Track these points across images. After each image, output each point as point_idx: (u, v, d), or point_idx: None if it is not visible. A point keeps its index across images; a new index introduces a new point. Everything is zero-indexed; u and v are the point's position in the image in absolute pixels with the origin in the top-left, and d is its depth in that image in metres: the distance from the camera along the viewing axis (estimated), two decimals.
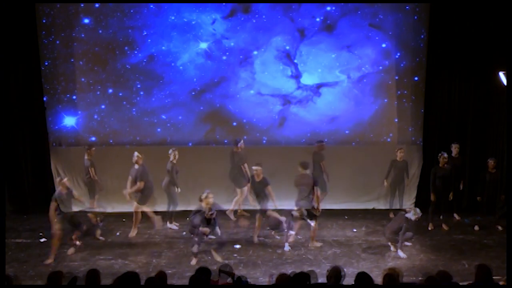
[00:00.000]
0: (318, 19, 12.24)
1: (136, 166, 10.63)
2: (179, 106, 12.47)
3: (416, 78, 12.42)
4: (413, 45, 12.29)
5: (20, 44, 11.78)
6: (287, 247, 9.79)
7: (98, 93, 12.39)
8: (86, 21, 12.15)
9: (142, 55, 12.30)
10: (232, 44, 12.30)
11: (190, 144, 12.60)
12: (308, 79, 12.44)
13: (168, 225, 11.17)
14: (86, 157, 11.32)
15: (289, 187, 12.43)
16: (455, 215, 11.63)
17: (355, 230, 10.95)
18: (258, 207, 10.37)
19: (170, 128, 12.53)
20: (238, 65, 12.39)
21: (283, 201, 12.39)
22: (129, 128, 12.52)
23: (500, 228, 10.85)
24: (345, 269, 8.19)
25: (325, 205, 12.15)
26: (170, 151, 11.10)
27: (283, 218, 10.06)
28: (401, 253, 9.47)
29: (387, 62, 12.39)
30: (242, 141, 11.55)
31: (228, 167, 11.92)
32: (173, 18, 12.18)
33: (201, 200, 9.53)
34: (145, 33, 12.21)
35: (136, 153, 10.71)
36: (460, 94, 12.15)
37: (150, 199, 10.99)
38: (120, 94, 12.42)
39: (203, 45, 12.27)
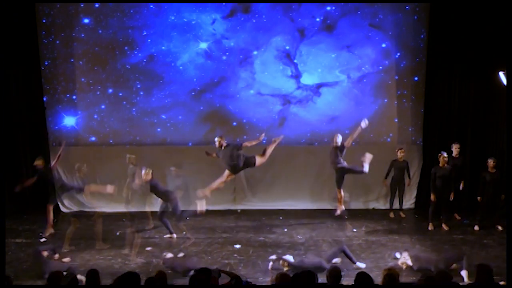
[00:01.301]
0: (318, 19, 12.24)
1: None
2: (179, 106, 12.48)
3: (416, 78, 12.43)
4: (413, 45, 12.30)
5: (20, 44, 11.79)
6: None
7: (98, 93, 12.41)
8: (86, 21, 12.16)
9: (142, 55, 12.30)
10: (232, 44, 12.30)
11: (190, 144, 12.62)
12: (308, 79, 12.45)
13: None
14: (131, 166, 11.35)
15: (289, 187, 12.49)
16: (455, 215, 11.63)
17: (355, 230, 10.94)
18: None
19: (170, 128, 12.54)
20: (238, 65, 12.39)
21: (283, 201, 12.47)
22: (129, 128, 12.53)
23: (500, 228, 10.85)
24: (345, 269, 8.24)
25: (325, 205, 12.21)
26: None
27: None
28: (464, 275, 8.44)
29: (387, 62, 12.40)
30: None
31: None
32: (173, 18, 12.19)
33: None
34: (145, 33, 12.21)
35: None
36: (460, 94, 12.15)
37: None
38: (120, 94, 12.43)
39: (203, 45, 12.27)
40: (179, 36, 12.25)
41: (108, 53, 12.29)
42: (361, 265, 8.76)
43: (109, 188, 10.21)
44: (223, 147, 10.16)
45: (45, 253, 8.85)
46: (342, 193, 10.89)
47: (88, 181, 11.62)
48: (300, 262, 8.38)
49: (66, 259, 9.24)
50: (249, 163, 10.39)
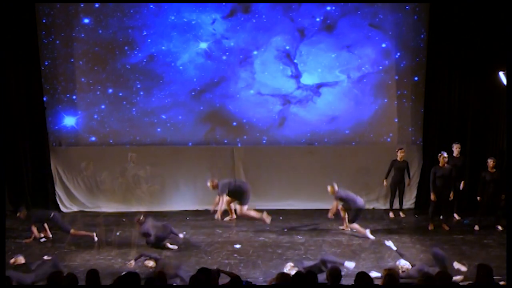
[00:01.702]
0: (318, 19, 12.24)
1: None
2: (179, 106, 12.47)
3: (416, 78, 12.42)
4: (413, 45, 12.29)
5: (20, 44, 11.77)
6: None
7: (98, 93, 12.40)
8: (86, 21, 12.15)
9: (142, 55, 12.30)
10: (232, 44, 12.30)
11: (190, 144, 12.61)
12: (308, 79, 12.44)
13: None
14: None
15: (289, 187, 12.49)
16: (455, 215, 11.63)
17: (355, 230, 10.92)
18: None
19: (170, 128, 12.54)
20: (238, 65, 12.38)
21: (283, 201, 12.47)
22: (129, 128, 12.53)
23: (500, 228, 10.85)
24: (344, 269, 8.24)
25: (324, 205, 12.18)
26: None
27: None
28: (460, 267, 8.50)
29: (387, 62, 12.39)
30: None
31: (228, 167, 12.37)
32: (173, 18, 12.18)
33: None
34: (145, 33, 12.21)
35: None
36: (460, 94, 12.14)
37: None
38: (120, 94, 12.43)
39: (203, 45, 12.27)
40: (179, 36, 12.24)
41: (108, 53, 12.29)
42: (350, 264, 8.70)
43: (95, 236, 10.24)
44: (215, 186, 10.86)
45: (21, 260, 8.65)
46: (347, 215, 10.74)
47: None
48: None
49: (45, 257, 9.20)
50: (241, 196, 10.92)
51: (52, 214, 10.39)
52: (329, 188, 10.63)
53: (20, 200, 12.05)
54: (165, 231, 10.01)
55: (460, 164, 11.30)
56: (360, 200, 10.54)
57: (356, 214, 10.47)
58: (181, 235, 10.41)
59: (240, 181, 11.39)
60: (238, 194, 10.96)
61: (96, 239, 10.19)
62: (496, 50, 11.37)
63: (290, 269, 8.17)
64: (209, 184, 10.98)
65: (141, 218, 10.10)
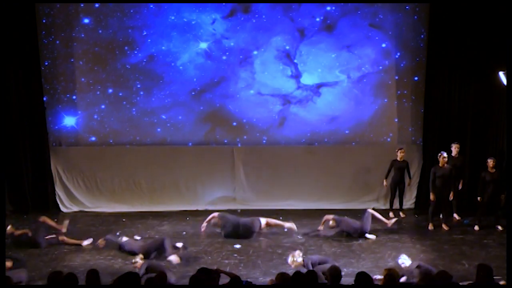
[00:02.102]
0: (318, 19, 12.24)
1: None
2: (179, 106, 12.47)
3: (416, 78, 12.43)
4: (413, 45, 12.30)
5: (20, 44, 11.77)
6: None
7: (98, 93, 12.40)
8: (86, 21, 12.15)
9: (142, 55, 12.30)
10: (232, 44, 12.30)
11: (190, 144, 12.61)
12: (308, 79, 12.45)
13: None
14: None
15: (289, 187, 12.49)
16: (455, 215, 11.63)
17: None
18: None
19: (170, 128, 12.54)
20: (238, 65, 12.39)
21: (283, 201, 12.47)
22: (129, 128, 12.53)
23: (500, 228, 10.85)
24: (345, 269, 8.23)
25: (325, 205, 12.20)
26: None
27: None
28: None
29: (387, 62, 12.40)
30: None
31: (227, 166, 12.44)
32: (173, 18, 12.19)
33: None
34: (145, 33, 12.21)
35: None
36: (460, 94, 12.14)
37: None
38: (120, 94, 12.43)
39: (203, 45, 12.27)
40: (179, 36, 12.24)
41: (108, 53, 12.28)
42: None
43: (85, 243, 10.02)
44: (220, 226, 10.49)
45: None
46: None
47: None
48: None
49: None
50: (247, 231, 10.48)
51: (31, 238, 10.03)
52: (331, 222, 10.63)
53: (20, 200, 12.07)
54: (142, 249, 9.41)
55: (459, 164, 11.31)
56: (356, 226, 10.47)
57: (359, 236, 10.45)
58: (178, 244, 9.84)
59: (245, 227, 10.49)
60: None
61: (86, 243, 10.04)
62: (496, 50, 11.37)
63: (297, 258, 8.20)
64: (213, 225, 10.59)
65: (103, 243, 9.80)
